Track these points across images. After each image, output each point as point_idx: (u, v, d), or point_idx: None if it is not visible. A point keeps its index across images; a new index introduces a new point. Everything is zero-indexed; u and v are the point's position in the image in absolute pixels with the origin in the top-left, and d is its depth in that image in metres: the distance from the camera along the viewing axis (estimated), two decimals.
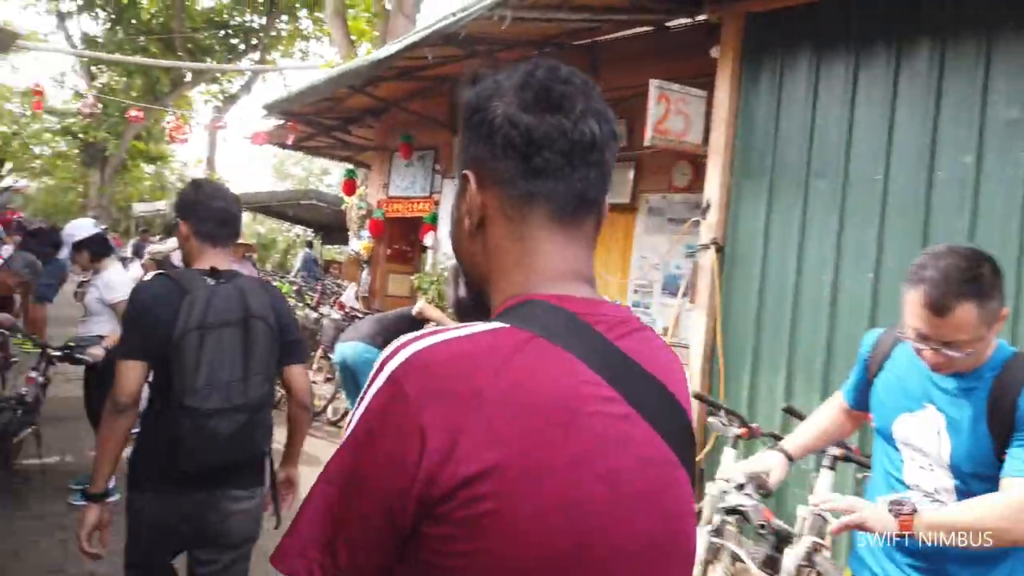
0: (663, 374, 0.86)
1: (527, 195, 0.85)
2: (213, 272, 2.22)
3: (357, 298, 9.73)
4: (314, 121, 9.83)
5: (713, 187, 4.91)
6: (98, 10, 24.23)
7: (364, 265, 9.75)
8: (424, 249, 10.16)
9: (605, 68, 7.22)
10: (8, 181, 35.28)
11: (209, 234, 2.29)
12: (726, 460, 3.29)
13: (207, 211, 2.28)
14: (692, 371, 4.98)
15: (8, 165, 34.12)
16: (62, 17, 24.33)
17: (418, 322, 5.26)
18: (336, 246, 31.08)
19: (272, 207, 21.71)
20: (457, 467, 0.69)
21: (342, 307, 10.38)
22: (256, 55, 24.35)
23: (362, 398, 0.76)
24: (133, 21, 24.15)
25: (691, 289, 5.05)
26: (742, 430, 3.25)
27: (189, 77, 24.45)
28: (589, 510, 0.74)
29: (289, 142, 9.90)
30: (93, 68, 24.95)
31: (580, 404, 0.75)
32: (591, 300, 0.85)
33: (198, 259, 2.29)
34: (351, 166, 10.86)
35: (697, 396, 3.42)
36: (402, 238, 10.03)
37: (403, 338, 0.78)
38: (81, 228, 4.53)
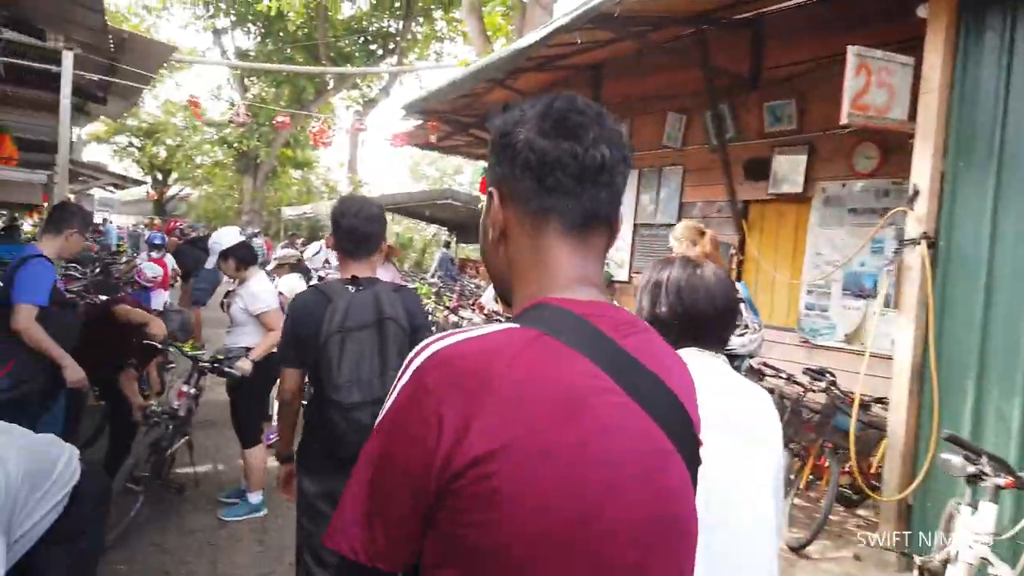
0: (664, 372, 0.92)
1: (542, 211, 0.94)
2: (354, 280, 2.49)
3: (496, 300, 9.45)
4: (451, 119, 9.61)
5: (922, 172, 4.10)
6: (249, 25, 25.60)
7: None
8: None
9: (770, 43, 6.45)
10: (175, 190, 38.43)
11: (346, 249, 2.56)
12: (985, 515, 2.58)
13: (343, 229, 2.54)
14: (895, 390, 4.21)
15: (173, 175, 37.09)
16: (217, 34, 25.92)
17: None
18: (471, 245, 31.43)
19: (409, 207, 22.11)
20: (469, 448, 0.78)
21: (481, 309, 10.16)
22: (393, 59, 24.88)
23: (392, 391, 0.86)
24: (281, 34, 25.33)
25: (893, 292, 4.27)
26: (1007, 480, 2.53)
27: (332, 85, 25.34)
28: (588, 489, 0.81)
29: (432, 140, 9.73)
30: (246, 81, 26.43)
31: (581, 394, 0.83)
32: (596, 302, 0.92)
33: (342, 269, 2.58)
34: (486, 164, 10.57)
35: (951, 439, 2.70)
36: None
37: (428, 339, 0.88)
38: (227, 236, 4.40)
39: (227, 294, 5.29)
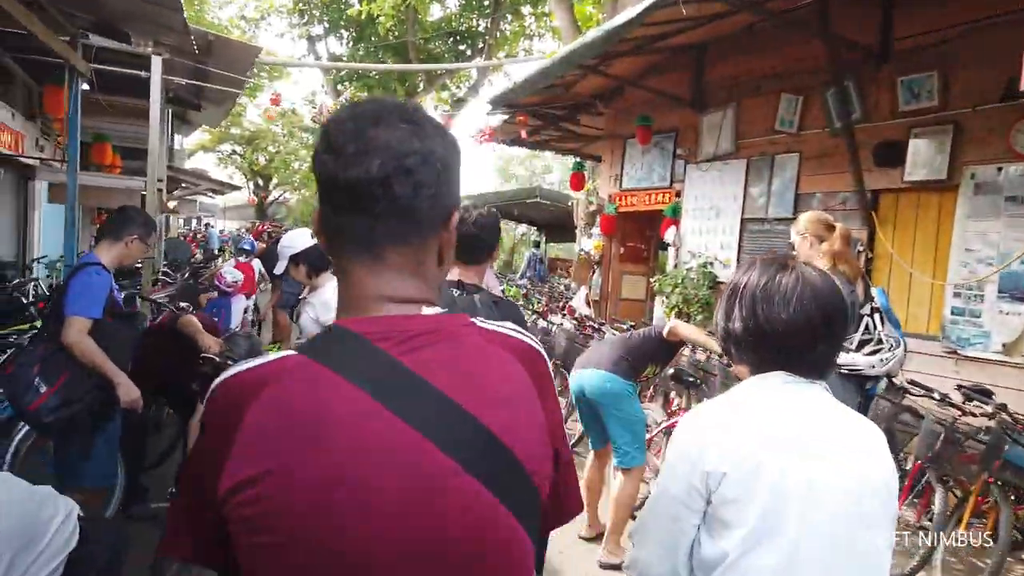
0: (457, 384, 0.85)
1: (336, 231, 0.90)
2: (460, 284, 2.47)
3: (588, 303, 8.85)
4: (541, 112, 9.10)
5: None
6: (342, 31, 25.97)
7: (595, 266, 8.84)
8: (663, 246, 9.05)
9: (903, 7, 5.60)
10: (276, 194, 39.72)
11: (459, 255, 2.38)
12: None
13: (459, 236, 2.12)
14: None
15: (274, 180, 38.31)
16: (312, 40, 26.39)
17: (670, 345, 4.16)
18: (559, 244, 30.91)
19: (499, 207, 21.81)
20: (228, 478, 0.80)
21: (572, 312, 9.60)
22: (482, 58, 24.66)
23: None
24: (372, 38, 25.56)
25: None
26: None
27: (422, 87, 25.35)
28: (341, 514, 0.79)
29: (522, 135, 9.26)
30: (339, 87, 26.83)
31: (333, 419, 0.81)
32: (389, 318, 0.88)
33: (452, 271, 2.51)
34: (578, 159, 9.99)
35: None
36: (637, 235, 8.97)
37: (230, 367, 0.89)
38: (299, 239, 4.01)
39: (298, 302, 4.93)
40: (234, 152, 37.57)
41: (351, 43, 25.94)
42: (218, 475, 0.80)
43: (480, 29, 24.66)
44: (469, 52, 25.05)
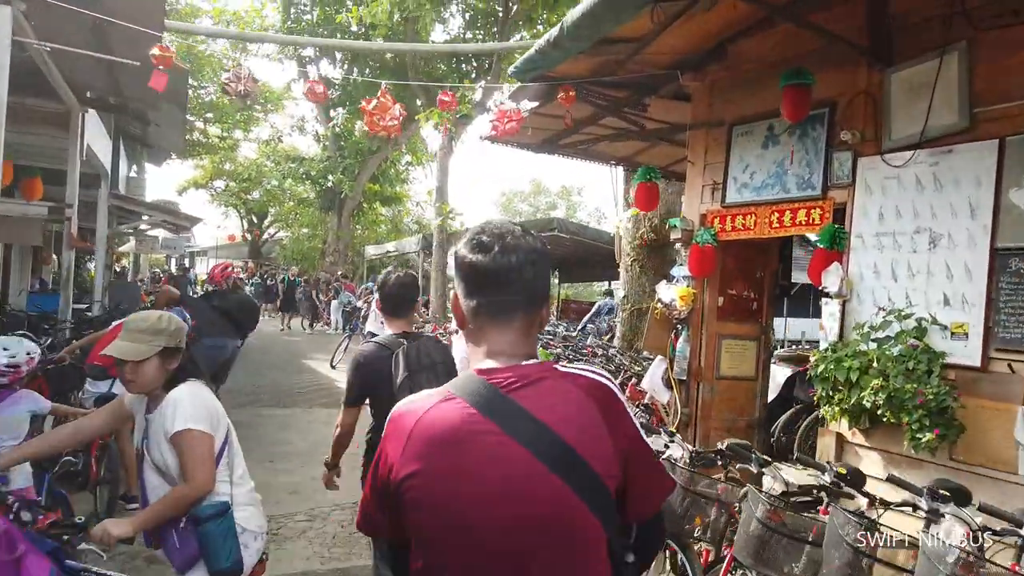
0: (547, 415, 1.26)
1: (474, 305, 1.36)
2: (405, 335, 3.14)
3: (670, 384, 5.47)
4: (594, 90, 5.86)
5: None
6: (336, 52, 23.05)
7: (678, 326, 5.48)
8: (783, 292, 5.83)
9: None
10: (270, 231, 36.55)
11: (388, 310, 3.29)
12: None
13: (384, 295, 3.27)
14: None
15: (268, 218, 35.22)
16: (303, 63, 23.41)
17: None
18: (571, 284, 27.51)
19: None
20: (398, 472, 1.27)
21: (640, 397, 6.21)
22: (487, 78, 21.60)
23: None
24: (370, 61, 22.64)
25: None
26: None
27: (422, 107, 22.26)
28: (465, 501, 1.24)
29: (567, 120, 5.96)
30: (330, 112, 23.78)
31: (466, 435, 1.25)
32: (502, 368, 1.31)
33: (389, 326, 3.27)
34: (644, 167, 6.63)
35: None
36: (742, 277, 5.62)
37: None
38: None
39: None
40: (227, 188, 34.41)
41: (344, 64, 23.00)
42: (390, 472, 1.29)
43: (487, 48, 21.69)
44: (475, 74, 22.01)
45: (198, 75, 26.28)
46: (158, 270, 30.77)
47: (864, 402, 3.81)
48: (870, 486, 3.20)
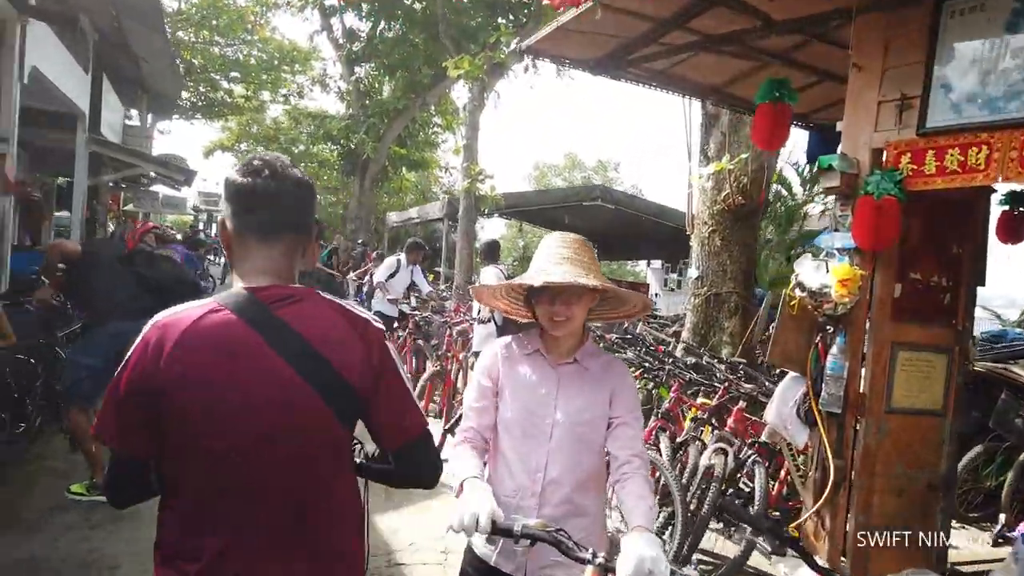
0: (308, 330, 1.38)
1: (242, 224, 1.43)
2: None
3: (810, 417, 3.42)
4: None
5: None
6: (363, 3, 20.95)
7: (830, 327, 3.42)
8: (979, 279, 3.79)
9: None
10: None
11: None
12: None
13: None
14: None
15: None
16: (326, 14, 21.35)
17: None
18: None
19: (545, 210, 16.38)
20: (157, 381, 1.31)
21: (748, 428, 4.19)
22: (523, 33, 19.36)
23: None
24: (399, 11, 20.51)
25: None
26: None
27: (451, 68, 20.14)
28: (232, 406, 1.33)
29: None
30: (355, 68, 21.75)
31: (233, 344, 1.34)
32: (269, 286, 1.40)
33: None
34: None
35: None
36: (933, 251, 3.53)
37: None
38: None
39: None
40: (252, 151, 32.62)
41: (371, 16, 20.91)
42: (150, 376, 1.32)
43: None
44: (512, 25, 19.78)
45: (225, 31, 24.52)
46: (171, 230, 29.33)
47: None
48: None
